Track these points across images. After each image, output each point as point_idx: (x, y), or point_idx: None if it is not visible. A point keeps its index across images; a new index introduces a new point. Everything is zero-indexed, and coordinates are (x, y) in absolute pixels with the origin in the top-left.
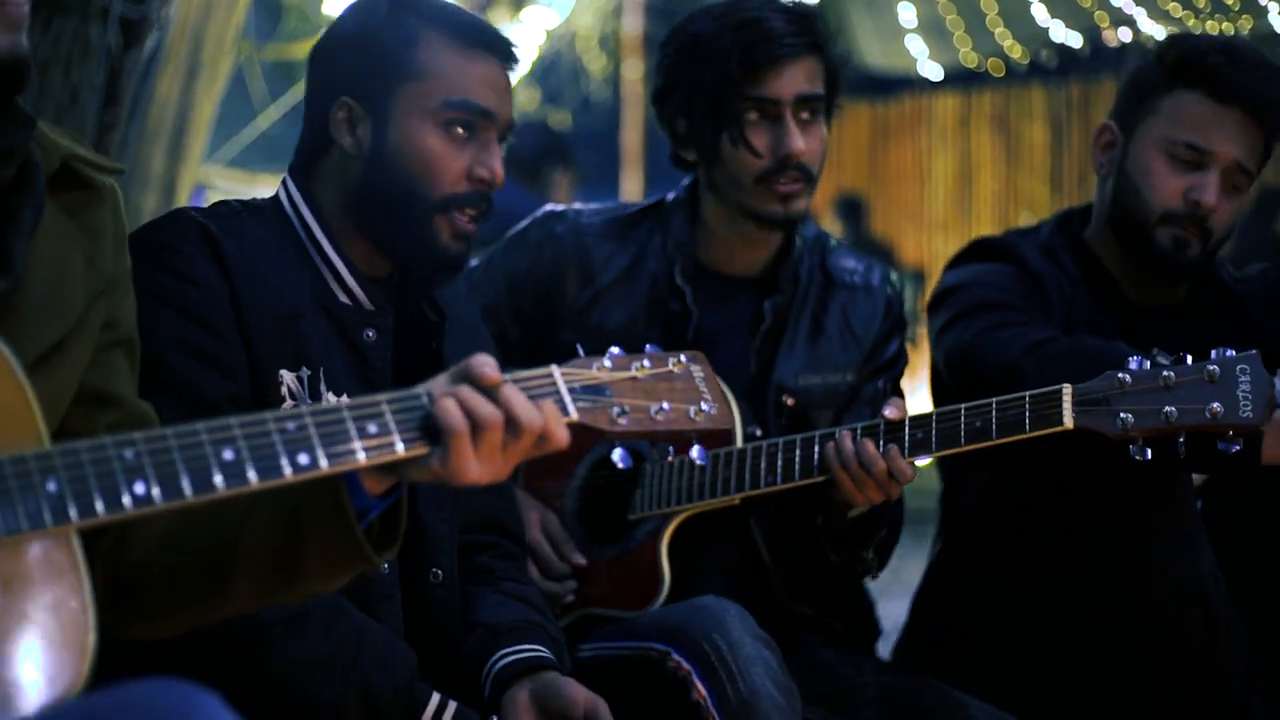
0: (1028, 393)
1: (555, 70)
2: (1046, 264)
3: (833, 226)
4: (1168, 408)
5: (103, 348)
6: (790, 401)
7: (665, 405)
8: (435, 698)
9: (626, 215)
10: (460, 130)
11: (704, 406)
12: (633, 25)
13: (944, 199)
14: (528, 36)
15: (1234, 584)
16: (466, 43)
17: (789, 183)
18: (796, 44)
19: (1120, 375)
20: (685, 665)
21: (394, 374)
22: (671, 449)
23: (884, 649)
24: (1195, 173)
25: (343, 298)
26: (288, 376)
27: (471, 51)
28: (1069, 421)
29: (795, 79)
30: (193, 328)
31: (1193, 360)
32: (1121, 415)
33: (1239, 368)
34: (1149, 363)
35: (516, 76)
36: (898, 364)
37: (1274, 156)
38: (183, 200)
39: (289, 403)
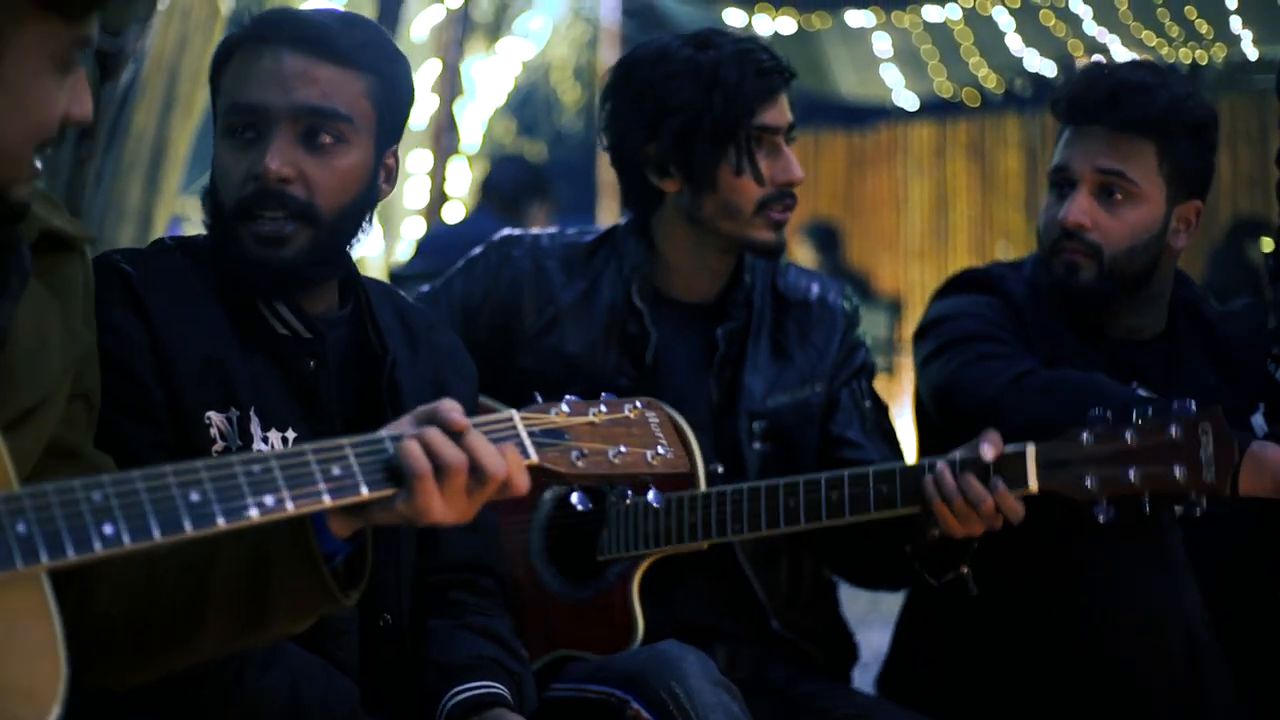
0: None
1: (531, 101)
2: (1030, 297)
3: (807, 256)
4: (1130, 472)
5: (66, 401)
6: (759, 427)
7: (622, 448)
8: None
9: (583, 244)
10: (244, 134)
11: (660, 450)
12: (608, 57)
13: (920, 228)
14: (503, 68)
15: (1217, 615)
16: (257, 41)
17: (783, 210)
18: (786, 74)
19: (1084, 435)
20: (645, 714)
21: (342, 404)
22: (629, 491)
23: (865, 680)
24: (1068, 193)
25: (280, 329)
26: (216, 418)
27: (255, 46)
28: (1033, 485)
29: (784, 109)
30: (111, 377)
31: (1155, 415)
32: (1086, 478)
33: (1201, 427)
34: (1110, 415)
35: (491, 107)
36: (867, 369)
37: (1246, 184)
38: (159, 232)
39: (219, 444)
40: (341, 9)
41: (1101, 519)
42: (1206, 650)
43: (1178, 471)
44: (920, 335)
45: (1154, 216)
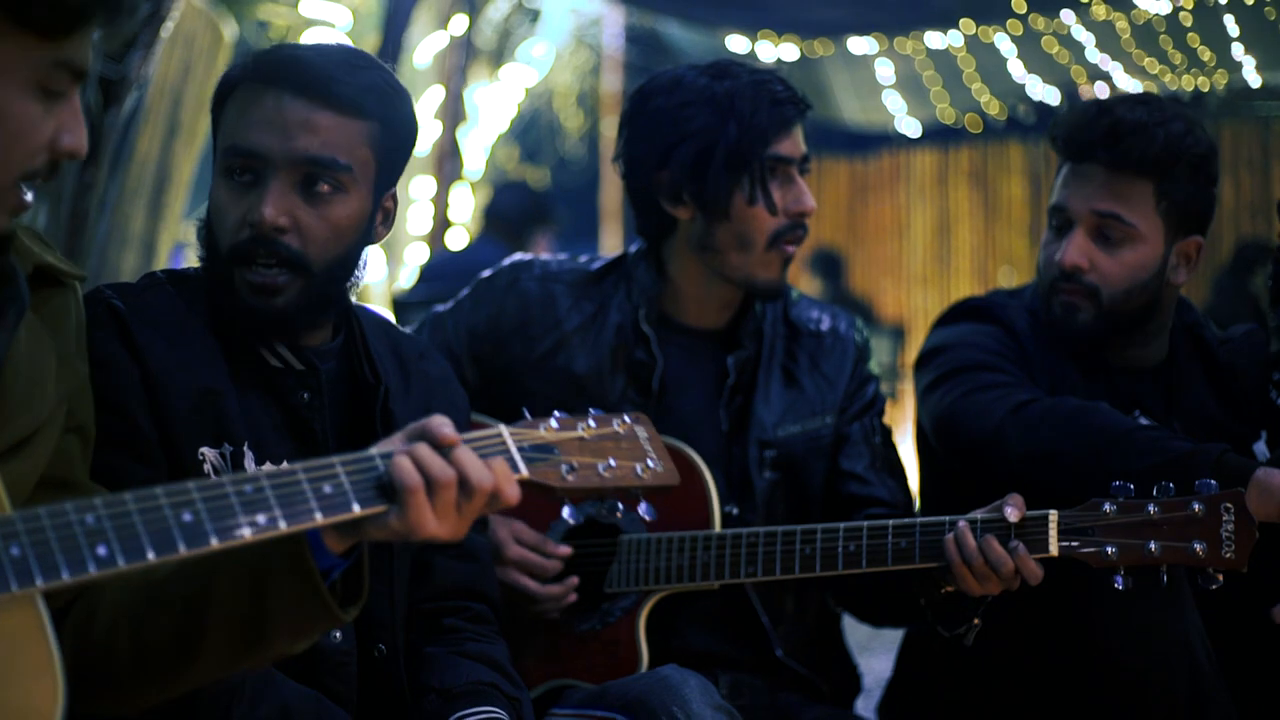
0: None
1: (533, 128)
2: (1031, 326)
3: (810, 283)
4: (1151, 544)
5: (60, 433)
6: (769, 456)
7: (612, 462)
8: None
9: (592, 271)
10: (242, 177)
11: (650, 464)
12: (611, 83)
13: (923, 254)
14: (506, 95)
15: (1221, 647)
16: (259, 82)
17: (794, 242)
18: (801, 106)
19: (1106, 505)
20: None
21: (337, 435)
22: (621, 505)
23: (867, 706)
24: (1066, 233)
25: (274, 362)
26: (210, 454)
27: (258, 91)
28: (1054, 550)
29: (799, 140)
30: (102, 413)
31: (1176, 493)
32: (1107, 548)
33: (1223, 506)
34: (1133, 487)
35: (494, 134)
36: (877, 403)
37: (1249, 211)
38: (163, 259)
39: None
40: (345, 44)
41: (1119, 586)
42: (1210, 681)
43: (1198, 547)
44: (921, 364)
45: (1152, 256)
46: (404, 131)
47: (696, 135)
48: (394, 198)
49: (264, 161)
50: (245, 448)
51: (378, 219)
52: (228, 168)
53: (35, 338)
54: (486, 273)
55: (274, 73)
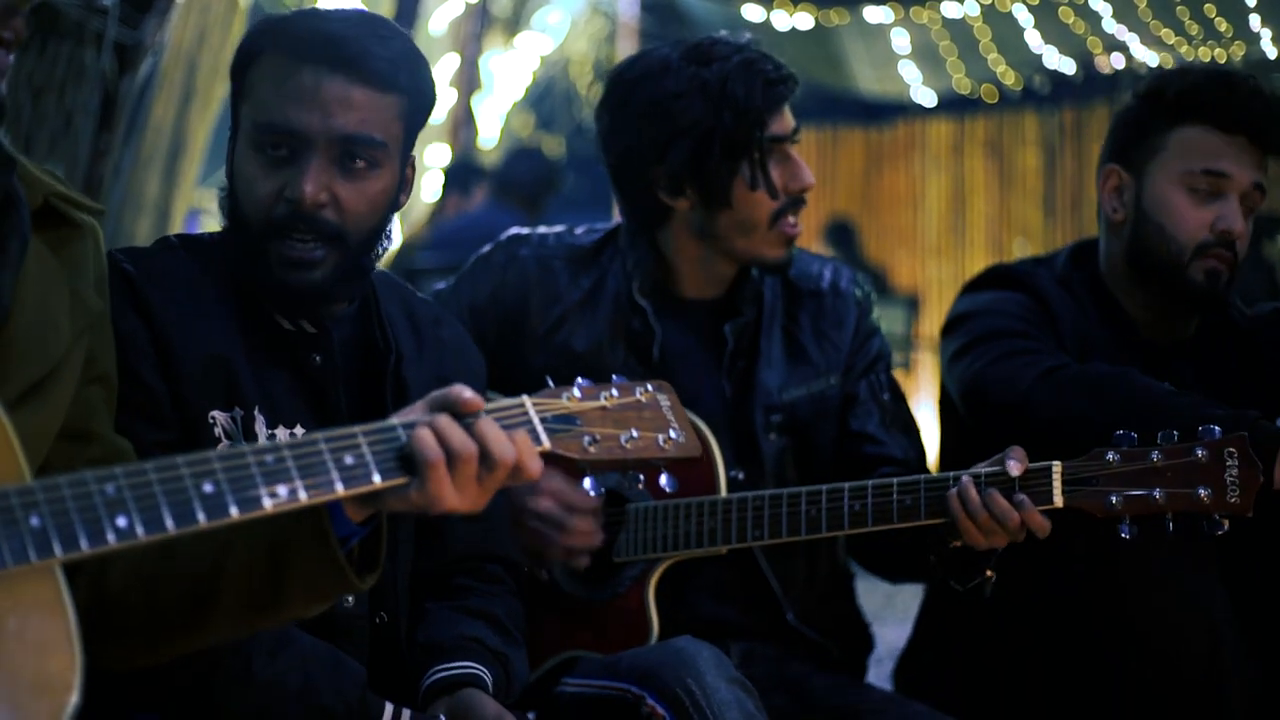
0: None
1: (549, 96)
2: (1061, 295)
3: (824, 253)
4: (1156, 492)
5: (82, 384)
6: (776, 420)
7: (634, 433)
8: (389, 708)
9: (589, 243)
10: (276, 151)
11: (672, 434)
12: (626, 51)
13: (937, 224)
14: (522, 62)
15: (1242, 609)
16: (291, 56)
17: (796, 218)
18: (791, 82)
19: (1109, 454)
20: (660, 710)
21: (349, 399)
22: (642, 478)
23: (880, 675)
24: (1217, 202)
25: (286, 325)
26: (220, 417)
27: (292, 65)
28: (1058, 501)
29: (788, 115)
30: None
31: (1180, 439)
32: (1111, 496)
33: (1227, 451)
34: (1135, 435)
35: (509, 101)
36: (883, 357)
37: (1268, 183)
38: (177, 225)
39: (224, 443)
40: (361, 9)
41: (1125, 536)
42: (1231, 647)
43: (1202, 492)
44: (948, 330)
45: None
46: (428, 100)
47: (692, 127)
48: (413, 165)
49: (302, 139)
50: (256, 411)
51: (402, 188)
52: (259, 143)
53: (45, 275)
54: (484, 249)
55: (306, 47)
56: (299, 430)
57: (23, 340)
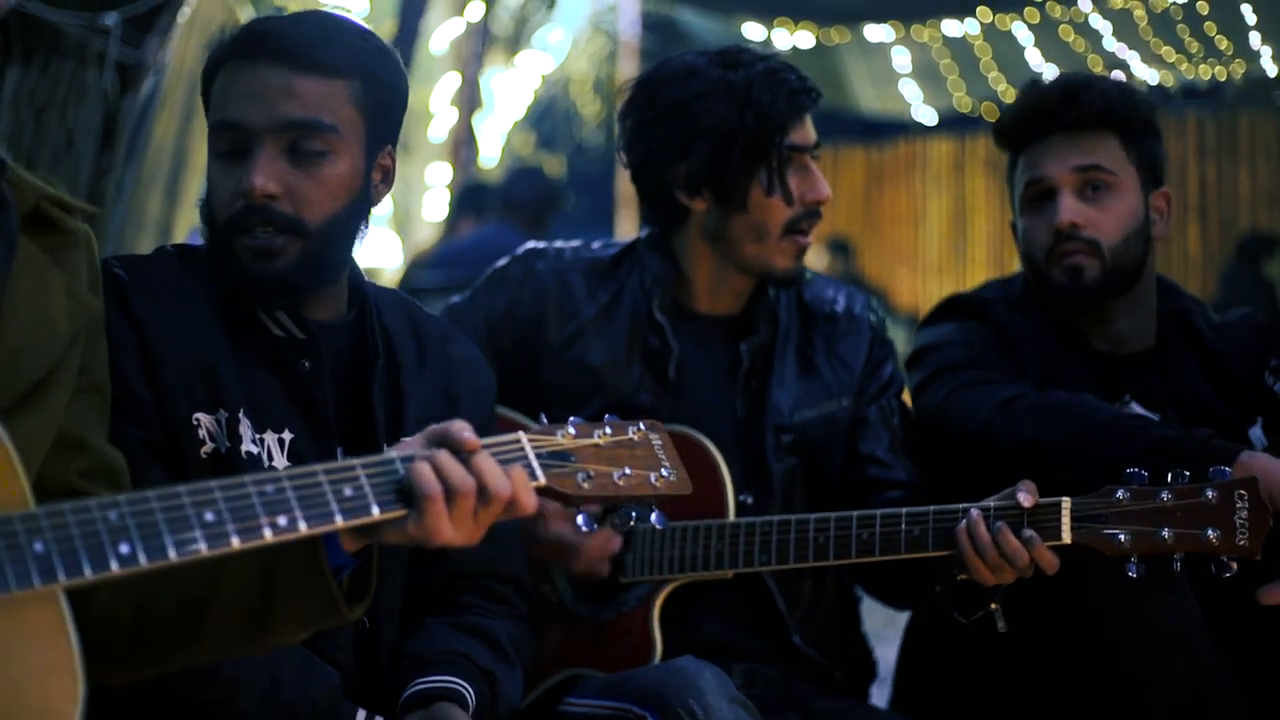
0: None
1: (550, 115)
2: (1018, 319)
3: (824, 265)
4: (1164, 531)
5: (76, 392)
6: (786, 440)
7: (627, 470)
8: (361, 714)
9: (606, 257)
10: (231, 149)
11: (664, 473)
12: (627, 70)
13: (938, 243)
14: (523, 81)
15: (1220, 634)
16: (242, 58)
17: (809, 229)
18: (814, 94)
19: (1119, 493)
20: None
21: (339, 407)
22: (634, 514)
23: (883, 696)
24: (1050, 204)
25: (276, 330)
26: (205, 419)
27: (243, 66)
28: (1067, 537)
29: (810, 127)
30: None
31: (1191, 480)
32: (1120, 536)
33: (1237, 493)
34: (1147, 474)
35: (510, 120)
36: (895, 383)
37: (1266, 200)
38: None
39: (208, 445)
40: (327, 10)
41: (1133, 574)
42: (1210, 670)
43: (1211, 534)
44: (911, 364)
45: (1135, 205)
46: (390, 87)
47: (714, 128)
48: (391, 156)
49: (248, 132)
50: (241, 414)
51: (375, 178)
52: (216, 144)
53: (40, 275)
54: (500, 262)
55: (251, 45)
56: (286, 435)
57: (16, 342)
